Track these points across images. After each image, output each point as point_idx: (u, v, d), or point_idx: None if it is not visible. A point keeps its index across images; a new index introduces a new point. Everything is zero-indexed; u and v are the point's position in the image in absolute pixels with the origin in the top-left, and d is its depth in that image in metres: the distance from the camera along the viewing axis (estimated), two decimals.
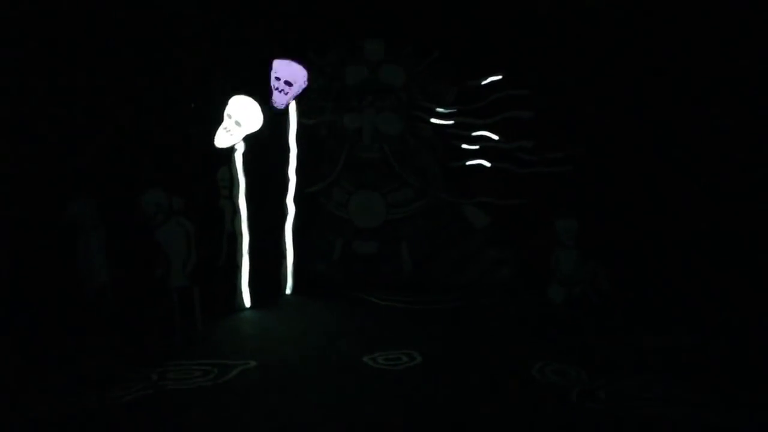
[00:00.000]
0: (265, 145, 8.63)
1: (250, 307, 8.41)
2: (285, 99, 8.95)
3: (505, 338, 7.41)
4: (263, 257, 8.81)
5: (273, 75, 8.86)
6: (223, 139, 8.06)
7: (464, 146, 10.04)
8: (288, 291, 9.25)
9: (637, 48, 9.46)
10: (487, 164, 9.96)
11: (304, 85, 9.05)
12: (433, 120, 10.04)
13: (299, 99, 9.21)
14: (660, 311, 8.25)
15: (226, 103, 8.10)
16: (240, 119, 8.05)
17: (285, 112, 9.10)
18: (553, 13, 9.52)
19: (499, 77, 9.92)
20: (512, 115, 9.89)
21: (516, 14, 9.59)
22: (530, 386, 5.89)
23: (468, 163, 10.02)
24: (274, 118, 8.82)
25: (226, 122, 8.05)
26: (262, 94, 8.60)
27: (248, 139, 8.24)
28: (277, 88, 8.86)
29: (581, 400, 5.56)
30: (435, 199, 10.10)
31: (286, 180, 9.22)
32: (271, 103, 8.81)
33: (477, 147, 10.02)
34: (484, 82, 9.99)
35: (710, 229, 9.18)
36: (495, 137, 9.93)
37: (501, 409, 5.43)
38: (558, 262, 8.69)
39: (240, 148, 8.21)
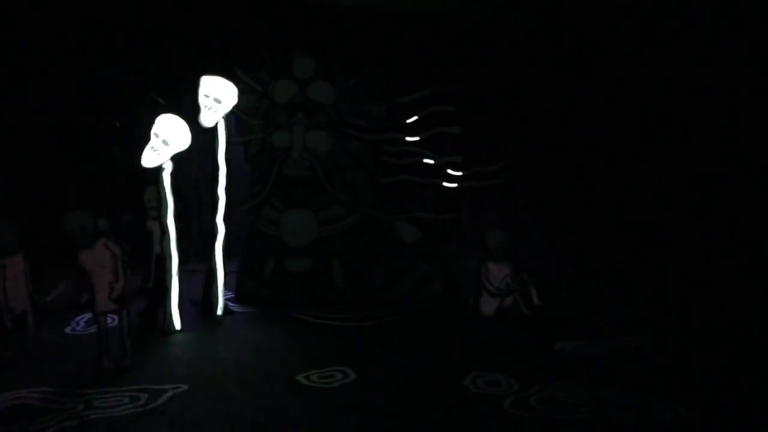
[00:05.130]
0: (192, 164, 8.52)
1: (181, 329, 8.23)
2: (214, 117, 8.85)
3: (437, 351, 7.50)
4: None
5: (201, 92, 8.76)
6: (150, 158, 7.90)
7: (394, 162, 10.16)
8: (219, 312, 9.10)
9: (563, 61, 9.78)
10: (417, 179, 10.11)
11: (232, 103, 8.99)
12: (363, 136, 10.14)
13: (227, 117, 9.12)
14: (587, 319, 8.52)
15: (152, 122, 7.95)
16: (167, 138, 7.91)
17: (214, 130, 9.00)
18: (479, 30, 9.73)
19: (428, 92, 10.10)
20: (441, 131, 10.08)
21: (444, 31, 9.76)
22: (464, 397, 5.97)
23: (397, 178, 10.14)
24: (203, 136, 8.70)
25: (153, 141, 7.89)
26: (189, 112, 8.49)
27: (176, 159, 8.09)
28: (205, 106, 8.76)
29: (514, 409, 5.65)
30: (366, 215, 10.15)
31: (216, 199, 9.10)
32: (199, 121, 8.70)
33: (407, 162, 10.16)
34: (412, 98, 10.14)
35: (637, 237, 9.55)
36: (424, 153, 10.12)
37: (436, 421, 5.48)
38: (488, 274, 8.83)
39: (168, 168, 8.06)
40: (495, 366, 6.72)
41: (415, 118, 10.16)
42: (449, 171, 10.15)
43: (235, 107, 9.15)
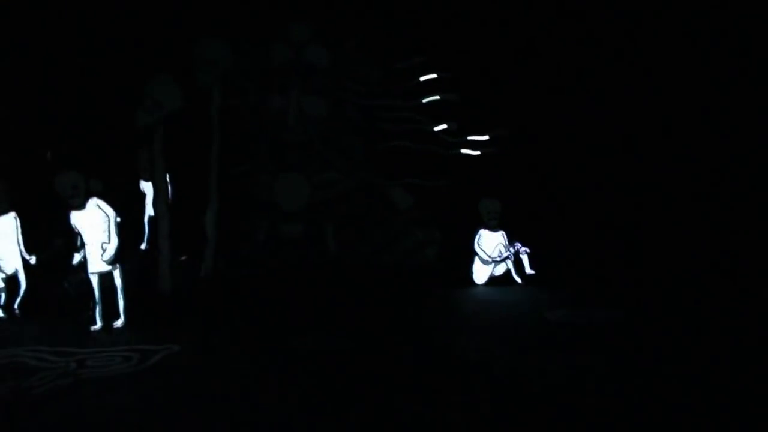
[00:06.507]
0: (187, 127, 8.44)
1: (173, 290, 8.24)
2: (207, 79, 8.76)
3: (428, 318, 7.53)
4: (186, 240, 8.65)
5: (196, 54, 8.64)
6: (143, 119, 7.82)
7: (389, 128, 10.10)
8: (211, 274, 9.11)
9: (562, 31, 9.69)
10: (412, 145, 10.08)
11: (227, 65, 8.87)
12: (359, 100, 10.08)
13: (223, 79, 9.02)
14: (579, 289, 8.57)
15: (146, 83, 7.85)
16: (161, 99, 7.82)
17: (208, 92, 8.90)
18: None
19: (425, 58, 10.01)
20: (437, 98, 10.01)
21: None
22: (455, 365, 6.00)
23: (392, 144, 10.10)
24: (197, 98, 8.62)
25: (146, 103, 7.80)
26: (184, 73, 8.39)
27: (169, 120, 8.01)
28: (199, 68, 8.66)
29: (506, 376, 5.69)
30: (360, 181, 10.12)
31: (209, 162, 9.04)
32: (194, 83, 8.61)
33: (402, 129, 10.10)
34: (409, 64, 10.05)
35: (630, 211, 9.56)
36: (420, 119, 10.07)
37: (427, 388, 5.52)
38: (481, 241, 8.85)
39: (160, 130, 7.97)
40: (486, 333, 6.75)
41: (411, 83, 10.08)
42: (445, 138, 10.10)
43: (231, 70, 9.05)
